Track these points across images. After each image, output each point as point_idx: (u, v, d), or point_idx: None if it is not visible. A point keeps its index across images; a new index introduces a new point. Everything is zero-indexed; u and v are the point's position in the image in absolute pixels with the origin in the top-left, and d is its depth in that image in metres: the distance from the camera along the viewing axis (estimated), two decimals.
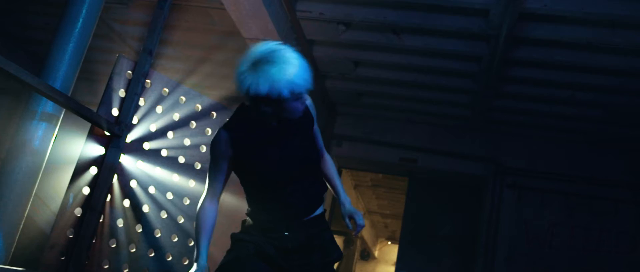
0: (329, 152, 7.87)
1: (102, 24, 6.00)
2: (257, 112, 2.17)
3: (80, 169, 3.32)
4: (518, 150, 7.48)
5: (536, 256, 7.04)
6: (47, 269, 3.14)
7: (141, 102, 3.64)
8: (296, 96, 2.11)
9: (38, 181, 3.16)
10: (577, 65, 5.48)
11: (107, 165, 3.37)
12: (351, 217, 2.46)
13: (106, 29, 6.25)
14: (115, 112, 3.47)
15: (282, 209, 2.35)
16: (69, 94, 3.17)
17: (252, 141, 2.31)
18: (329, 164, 2.57)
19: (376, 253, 18.72)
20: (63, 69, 3.17)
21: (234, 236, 2.46)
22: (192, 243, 3.96)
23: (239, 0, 4.53)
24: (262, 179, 2.34)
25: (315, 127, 2.48)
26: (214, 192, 2.39)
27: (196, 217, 2.38)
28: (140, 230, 3.70)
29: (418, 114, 7.52)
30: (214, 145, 2.37)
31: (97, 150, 3.39)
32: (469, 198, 7.92)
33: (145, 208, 3.72)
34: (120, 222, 3.55)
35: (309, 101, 2.41)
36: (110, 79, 3.49)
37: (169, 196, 3.88)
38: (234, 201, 7.56)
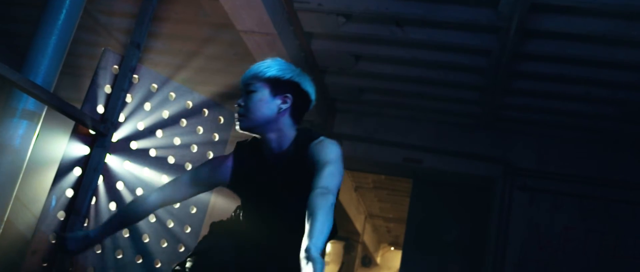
0: None
1: (87, 16, 5.99)
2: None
3: (64, 170, 3.32)
4: (529, 150, 7.49)
5: (548, 262, 7.05)
6: None
7: (128, 98, 3.64)
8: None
9: (19, 182, 3.15)
10: (592, 60, 5.48)
11: (92, 166, 3.37)
12: None
13: (91, 20, 6.24)
14: (100, 109, 3.47)
15: (263, 246, 2.34)
16: (52, 90, 3.16)
17: (243, 177, 2.36)
18: (315, 201, 1.94)
19: (378, 259, 18.75)
20: (45, 63, 3.16)
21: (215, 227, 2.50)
22: (182, 249, 3.97)
23: None
24: (245, 205, 2.45)
25: (321, 166, 2.11)
26: (160, 193, 2.43)
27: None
28: (127, 235, 3.70)
29: (423, 111, 7.52)
30: (210, 162, 2.46)
31: (82, 150, 3.39)
32: (477, 201, 7.93)
33: None
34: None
35: (319, 143, 2.23)
36: (96, 74, 3.48)
37: None
38: (225, 205, 7.57)
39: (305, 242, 1.77)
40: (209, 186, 2.44)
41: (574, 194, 7.19)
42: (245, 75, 2.28)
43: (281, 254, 2.30)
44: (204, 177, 2.40)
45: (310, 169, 2.12)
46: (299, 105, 2.31)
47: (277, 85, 2.24)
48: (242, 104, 2.25)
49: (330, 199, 1.96)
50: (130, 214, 2.43)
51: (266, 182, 2.30)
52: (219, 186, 2.45)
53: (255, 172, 2.32)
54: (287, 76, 2.26)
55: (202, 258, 2.24)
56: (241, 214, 2.47)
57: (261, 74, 2.25)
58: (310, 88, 2.33)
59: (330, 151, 2.16)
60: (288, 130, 2.28)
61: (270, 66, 2.26)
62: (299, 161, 2.24)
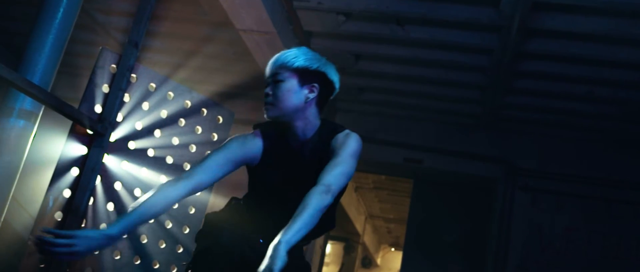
0: None
1: (85, 15, 6.00)
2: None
3: (61, 170, 3.32)
4: (531, 150, 7.49)
5: (550, 264, 7.06)
6: None
7: (126, 98, 3.65)
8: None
9: (15, 182, 3.16)
10: (595, 59, 5.48)
11: (90, 166, 3.37)
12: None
13: (89, 19, 6.24)
14: (98, 109, 3.47)
15: (270, 226, 2.16)
16: (49, 90, 3.17)
17: (272, 158, 2.39)
18: (311, 198, 2.03)
19: (379, 260, 18.75)
20: (42, 62, 3.17)
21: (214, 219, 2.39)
22: (181, 250, 3.97)
23: None
24: (263, 192, 2.42)
25: (337, 159, 2.23)
26: (189, 178, 2.21)
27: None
28: (125, 236, 3.70)
29: (424, 111, 7.52)
30: (236, 139, 2.42)
31: (79, 149, 3.40)
32: (478, 201, 7.93)
33: None
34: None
35: (346, 136, 2.37)
36: (93, 73, 3.49)
37: None
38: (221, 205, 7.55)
39: (279, 236, 1.85)
40: (238, 164, 2.39)
41: (576, 195, 7.19)
42: (273, 64, 2.36)
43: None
44: (236, 154, 2.36)
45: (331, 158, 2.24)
46: (325, 94, 2.41)
47: (305, 75, 2.34)
48: (270, 93, 2.33)
49: (327, 200, 2.05)
50: (154, 205, 2.11)
51: (291, 168, 2.38)
52: (245, 165, 2.44)
53: (281, 157, 2.39)
54: (315, 66, 2.35)
55: (211, 255, 2.15)
56: (247, 203, 2.46)
57: (289, 63, 2.33)
58: (335, 77, 2.43)
59: (352, 147, 2.29)
60: (313, 119, 2.40)
61: (298, 56, 2.35)
62: (323, 149, 2.34)
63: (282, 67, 2.34)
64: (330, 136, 2.37)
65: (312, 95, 2.35)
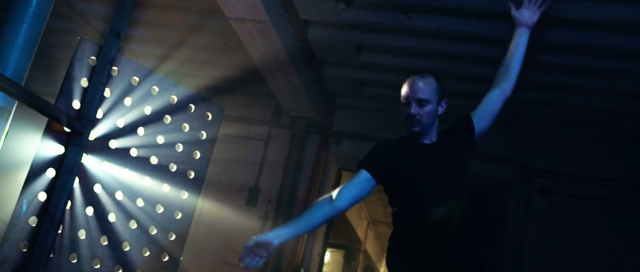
0: (327, 152, 7.89)
1: (62, 2, 6.00)
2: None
3: (36, 171, 3.32)
4: (548, 149, 7.50)
5: None
6: None
7: (107, 93, 3.65)
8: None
9: None
10: (617, 50, 5.50)
11: (67, 167, 3.37)
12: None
13: (66, 7, 6.24)
14: (76, 104, 3.47)
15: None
16: (23, 84, 3.17)
17: (418, 167, 3.06)
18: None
19: (382, 269, 18.75)
20: (15, 54, 3.17)
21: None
22: (166, 258, 3.98)
23: None
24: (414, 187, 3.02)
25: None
26: (351, 192, 3.00)
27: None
28: (106, 243, 3.70)
29: None
30: (379, 148, 3.16)
31: (56, 149, 3.40)
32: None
33: (112, 217, 3.72)
34: (82, 234, 3.56)
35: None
36: (71, 65, 3.49)
37: (140, 203, 3.89)
38: (214, 210, 7.58)
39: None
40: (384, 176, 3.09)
41: (598, 198, 7.20)
42: (416, 88, 3.09)
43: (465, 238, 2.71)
44: (386, 165, 3.05)
45: (458, 150, 3.28)
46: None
47: (440, 94, 3.18)
48: (415, 113, 3.06)
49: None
50: (319, 218, 2.97)
51: (435, 168, 3.07)
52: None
53: (422, 160, 3.08)
54: (442, 85, 3.20)
55: None
56: (405, 217, 3.06)
57: (431, 86, 3.13)
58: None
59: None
60: (437, 126, 3.23)
61: (431, 78, 3.17)
62: (446, 147, 3.18)
63: (425, 91, 3.09)
64: (443, 134, 3.27)
65: (442, 109, 3.22)
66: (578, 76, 6.12)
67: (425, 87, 3.11)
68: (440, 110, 3.20)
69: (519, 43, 3.58)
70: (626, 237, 7.07)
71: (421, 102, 3.08)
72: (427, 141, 3.17)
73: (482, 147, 7.47)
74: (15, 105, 3.23)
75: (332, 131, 7.92)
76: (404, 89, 3.13)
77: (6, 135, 3.22)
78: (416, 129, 3.09)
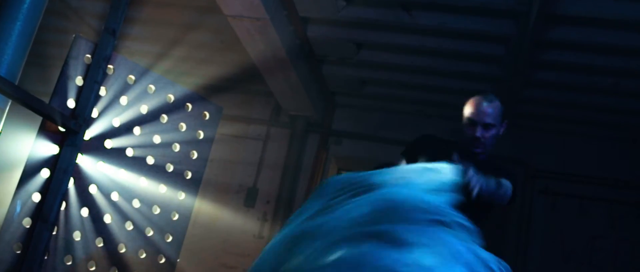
0: (327, 151, 7.89)
1: None
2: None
3: (30, 171, 3.32)
4: (552, 149, 7.50)
5: None
6: None
7: (102, 91, 3.65)
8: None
9: None
10: (622, 48, 5.49)
11: (62, 167, 3.37)
12: None
13: (61, 4, 6.24)
14: (71, 103, 3.47)
15: None
16: (16, 83, 3.16)
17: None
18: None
19: None
20: (9, 52, 3.17)
21: None
22: (163, 260, 3.97)
23: None
24: None
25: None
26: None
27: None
28: (101, 244, 3.70)
29: (433, 106, 7.53)
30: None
31: (50, 149, 3.39)
32: None
33: (107, 218, 3.72)
34: (77, 235, 3.55)
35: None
36: (66, 64, 3.48)
37: (136, 203, 3.88)
38: (212, 211, 7.58)
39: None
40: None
41: (602, 199, 7.19)
42: (482, 111, 3.17)
43: None
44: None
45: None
46: None
47: (502, 117, 3.26)
48: (480, 136, 3.18)
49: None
50: None
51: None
52: None
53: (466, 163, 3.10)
54: (503, 107, 3.26)
55: None
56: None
57: (496, 110, 3.21)
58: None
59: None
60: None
61: (497, 101, 3.24)
62: (493, 167, 3.18)
63: (491, 115, 3.18)
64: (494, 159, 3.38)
65: (502, 130, 3.29)
66: (582, 75, 6.11)
67: (492, 111, 3.20)
68: (501, 131, 3.30)
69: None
70: (631, 238, 7.06)
71: (487, 126, 3.20)
72: (480, 153, 3.28)
73: None
74: (9, 104, 3.23)
75: (331, 131, 7.91)
76: (469, 111, 3.22)
77: None
78: (479, 150, 3.23)
